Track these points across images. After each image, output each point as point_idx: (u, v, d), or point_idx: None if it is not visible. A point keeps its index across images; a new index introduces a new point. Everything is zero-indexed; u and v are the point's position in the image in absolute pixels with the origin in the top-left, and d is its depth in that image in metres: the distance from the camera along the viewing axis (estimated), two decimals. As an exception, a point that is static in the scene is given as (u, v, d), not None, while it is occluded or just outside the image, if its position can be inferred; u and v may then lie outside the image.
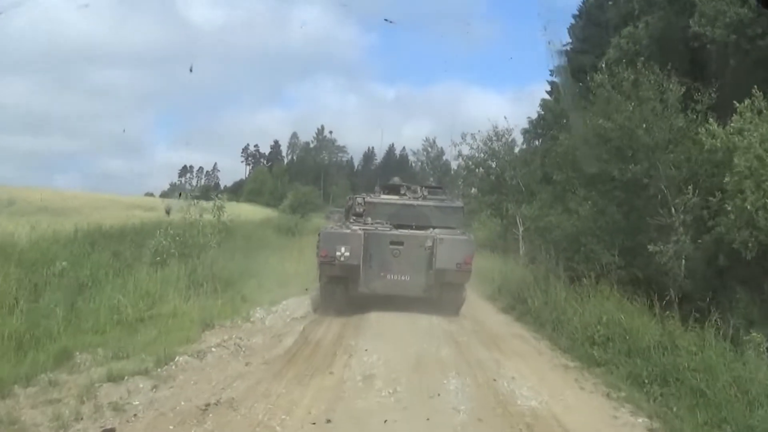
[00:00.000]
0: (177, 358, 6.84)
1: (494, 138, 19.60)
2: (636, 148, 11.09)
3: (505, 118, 21.14)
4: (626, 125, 11.06)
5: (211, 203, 15.64)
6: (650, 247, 10.50)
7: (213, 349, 7.50)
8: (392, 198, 11.82)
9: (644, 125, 10.88)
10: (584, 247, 12.44)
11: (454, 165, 22.60)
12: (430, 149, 72.90)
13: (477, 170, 20.36)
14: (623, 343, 7.68)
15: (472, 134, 19.62)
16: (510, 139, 19.89)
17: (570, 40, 22.82)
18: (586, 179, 13.05)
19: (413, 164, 79.61)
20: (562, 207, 15.45)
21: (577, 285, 10.70)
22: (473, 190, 21.83)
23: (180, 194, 13.51)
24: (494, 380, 6.76)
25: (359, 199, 11.70)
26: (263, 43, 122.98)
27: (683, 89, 11.08)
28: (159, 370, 6.43)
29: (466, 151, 20.02)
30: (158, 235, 13.13)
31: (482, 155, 19.90)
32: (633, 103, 11.18)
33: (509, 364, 7.57)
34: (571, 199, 14.20)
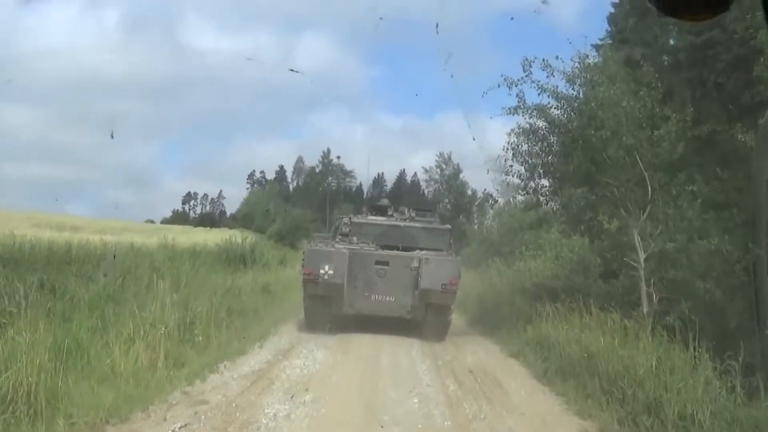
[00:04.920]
0: None
1: (587, 75, 9.69)
2: None
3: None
4: None
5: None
6: None
7: None
8: (379, 219, 11.93)
9: None
10: None
11: (500, 143, 10.10)
12: (444, 166, 65.16)
13: (550, 138, 10.08)
14: None
15: (544, 60, 9.65)
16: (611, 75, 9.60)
17: (609, 29, 15.88)
18: None
19: (425, 188, 72.47)
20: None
21: None
22: (519, 180, 10.91)
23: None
24: None
25: (345, 219, 11.83)
26: (269, 74, 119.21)
27: None
28: None
29: (530, 100, 10.04)
30: None
31: (562, 110, 9.83)
32: None
33: None
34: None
